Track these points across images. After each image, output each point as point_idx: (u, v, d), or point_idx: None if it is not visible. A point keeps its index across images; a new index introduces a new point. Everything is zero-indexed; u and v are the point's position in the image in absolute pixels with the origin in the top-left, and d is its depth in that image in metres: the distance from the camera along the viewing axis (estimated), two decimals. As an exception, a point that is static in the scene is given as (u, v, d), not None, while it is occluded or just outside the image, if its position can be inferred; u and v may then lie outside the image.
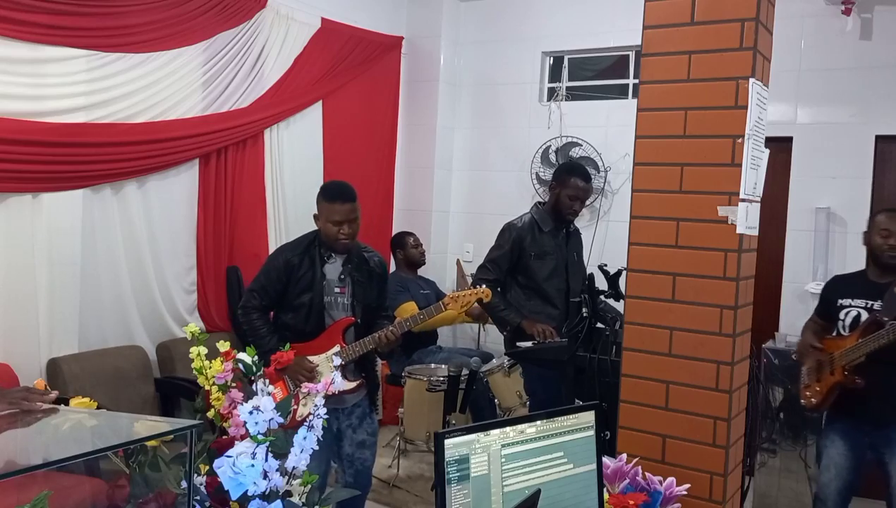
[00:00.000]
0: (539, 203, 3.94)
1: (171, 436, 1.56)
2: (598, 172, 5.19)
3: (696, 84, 2.22)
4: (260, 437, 1.43)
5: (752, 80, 2.13)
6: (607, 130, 5.29)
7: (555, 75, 5.69)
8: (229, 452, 1.42)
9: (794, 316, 4.64)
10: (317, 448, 1.54)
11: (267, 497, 1.43)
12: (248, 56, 4.48)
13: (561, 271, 3.75)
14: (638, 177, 2.33)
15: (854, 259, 4.47)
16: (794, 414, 4.06)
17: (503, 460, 1.65)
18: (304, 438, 1.51)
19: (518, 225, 3.76)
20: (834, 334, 3.22)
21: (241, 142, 4.52)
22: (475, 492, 1.59)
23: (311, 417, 1.54)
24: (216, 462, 1.43)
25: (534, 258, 3.70)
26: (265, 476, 1.42)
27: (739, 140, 2.15)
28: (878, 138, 4.49)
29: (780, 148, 4.42)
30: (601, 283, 3.21)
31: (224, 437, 1.72)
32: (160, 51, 3.98)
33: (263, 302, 3.15)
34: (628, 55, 5.40)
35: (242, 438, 1.56)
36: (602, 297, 3.22)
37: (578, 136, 5.36)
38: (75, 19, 3.57)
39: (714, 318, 2.19)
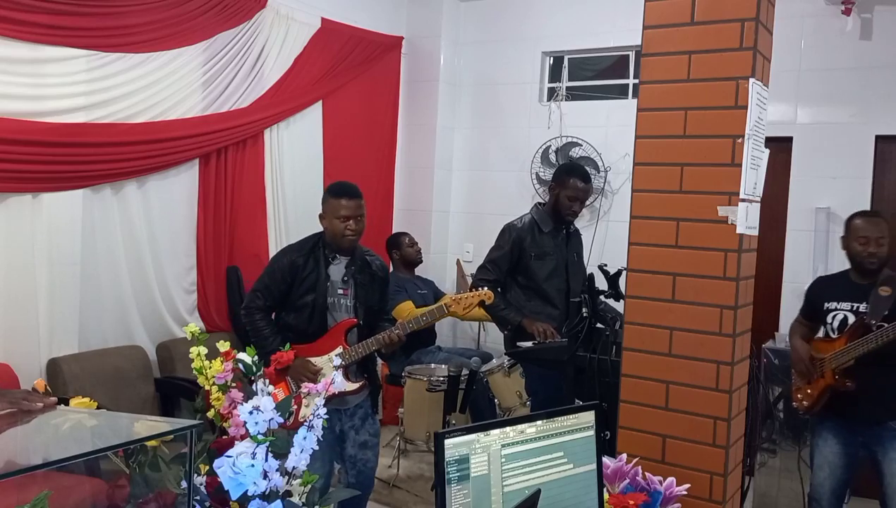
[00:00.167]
0: (539, 203, 3.94)
1: (171, 436, 1.56)
2: (598, 172, 5.19)
3: (696, 84, 2.22)
4: (260, 437, 1.43)
5: (752, 80, 2.13)
6: (607, 130, 5.29)
7: (555, 75, 5.69)
8: (229, 452, 1.42)
9: (794, 317, 4.64)
10: (317, 448, 1.54)
11: (267, 497, 1.43)
12: (248, 56, 4.48)
13: (561, 271, 3.75)
14: (638, 177, 2.33)
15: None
16: (794, 414, 4.06)
17: (503, 460, 1.65)
18: (304, 438, 1.51)
19: (518, 225, 3.76)
20: (822, 335, 3.24)
21: (241, 142, 4.52)
22: (475, 492, 1.59)
23: (311, 417, 1.54)
24: (216, 462, 1.43)
25: (534, 258, 3.70)
26: (265, 476, 1.42)
27: (739, 140, 2.15)
28: (878, 138, 4.49)
29: (780, 148, 4.42)
30: (601, 283, 3.21)
31: (224, 437, 1.71)
32: (160, 51, 3.98)
33: (267, 302, 3.16)
34: (628, 55, 5.40)
35: (242, 438, 1.56)
36: (602, 297, 3.22)
37: (578, 136, 5.36)
38: (75, 19, 3.57)
39: (714, 318, 2.19)
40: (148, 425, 1.90)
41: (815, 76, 4.62)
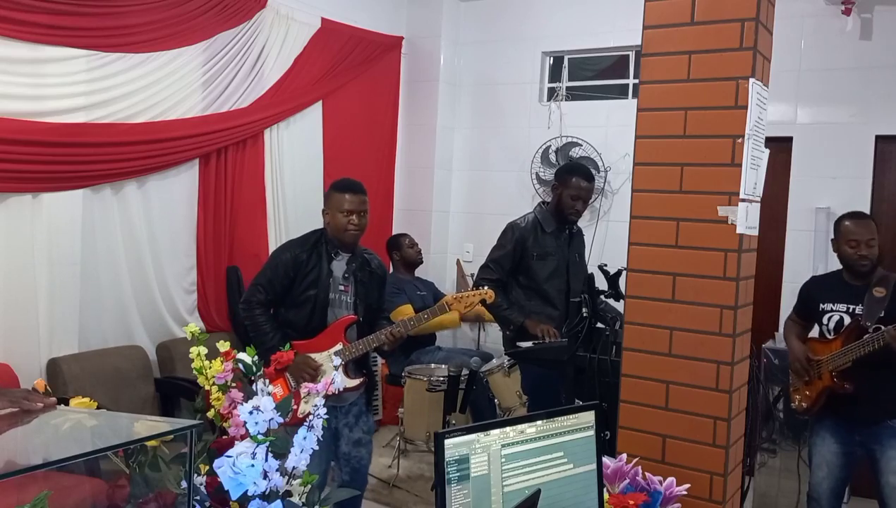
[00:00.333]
0: (542, 202, 3.94)
1: (171, 436, 1.56)
2: (598, 172, 5.19)
3: (696, 84, 2.22)
4: (260, 437, 1.43)
5: (752, 80, 2.13)
6: (607, 130, 5.29)
7: (555, 75, 5.69)
8: (229, 452, 1.42)
9: (793, 316, 4.65)
10: (317, 447, 1.54)
11: (267, 497, 1.43)
12: (248, 56, 4.48)
13: (562, 272, 3.75)
14: (638, 177, 2.33)
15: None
16: (794, 414, 4.06)
17: (503, 460, 1.65)
18: (304, 438, 1.51)
19: (521, 225, 3.76)
20: (818, 336, 3.25)
21: (241, 142, 4.52)
22: (475, 492, 1.59)
23: (311, 417, 1.54)
24: (216, 462, 1.43)
25: (536, 259, 3.70)
26: (265, 476, 1.42)
27: (739, 140, 2.15)
28: (878, 138, 4.49)
29: (780, 148, 4.42)
30: (601, 283, 3.21)
31: (224, 437, 1.71)
32: (160, 51, 3.98)
33: (269, 296, 3.15)
34: (628, 55, 5.40)
35: (242, 438, 1.56)
36: (602, 297, 3.23)
37: (578, 136, 5.36)
38: (75, 19, 3.57)
39: (714, 318, 2.19)
40: (148, 425, 1.90)
41: (815, 76, 4.62)
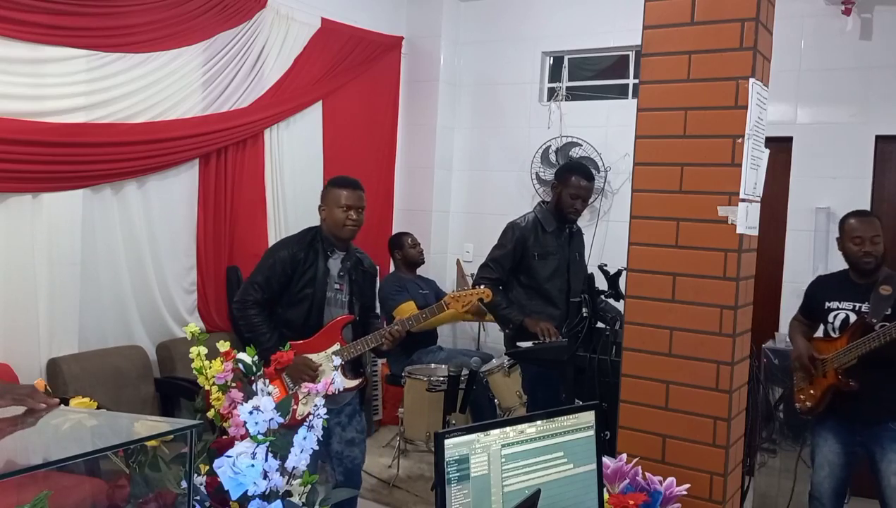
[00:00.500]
0: (542, 202, 3.94)
1: (171, 436, 1.56)
2: (598, 172, 5.19)
3: (696, 84, 2.22)
4: (260, 437, 1.43)
5: (752, 80, 2.13)
6: (607, 130, 5.29)
7: (555, 75, 5.69)
8: (229, 452, 1.42)
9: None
10: (317, 447, 1.54)
11: (267, 497, 1.43)
12: (248, 56, 4.48)
13: (562, 271, 3.75)
14: (638, 177, 2.33)
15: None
16: (794, 414, 4.06)
17: (503, 460, 1.65)
18: (304, 438, 1.51)
19: (521, 224, 3.76)
20: (822, 335, 3.24)
21: (241, 142, 4.52)
22: (475, 492, 1.59)
23: (310, 417, 1.54)
24: (216, 462, 1.43)
25: (536, 258, 3.70)
26: (265, 476, 1.42)
27: (739, 140, 2.15)
28: (878, 138, 4.49)
29: (780, 148, 4.42)
30: (601, 283, 3.21)
31: (224, 437, 1.71)
32: (160, 51, 3.97)
33: (265, 295, 3.11)
34: (628, 55, 5.40)
35: (242, 438, 1.56)
36: (602, 297, 3.23)
37: (578, 136, 5.36)
38: (75, 19, 3.57)
39: (714, 318, 2.19)
40: (148, 425, 1.90)
41: (815, 76, 4.62)
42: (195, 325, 1.91)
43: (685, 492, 2.05)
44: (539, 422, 1.73)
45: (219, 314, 4.48)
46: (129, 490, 1.62)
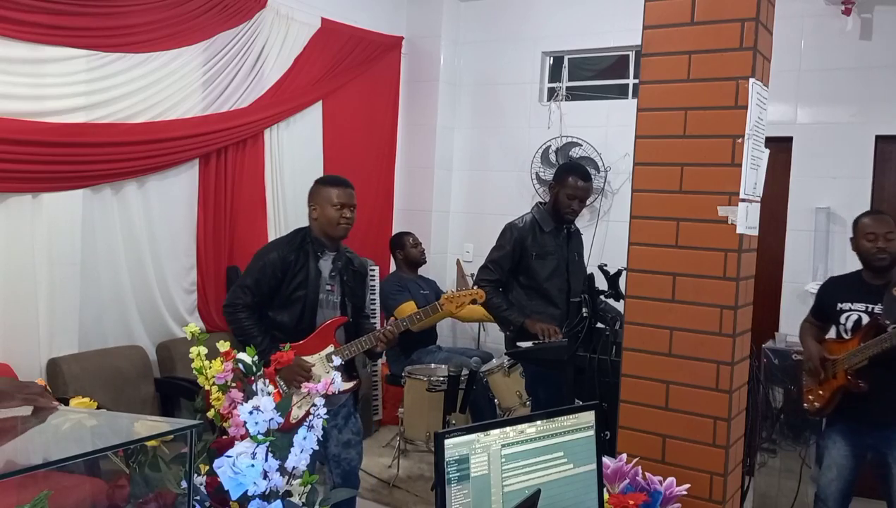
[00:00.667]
0: (540, 203, 3.94)
1: (171, 436, 1.56)
2: (598, 172, 5.19)
3: (696, 84, 2.22)
4: (260, 437, 1.43)
5: (752, 80, 2.13)
6: (607, 130, 5.29)
7: (555, 75, 5.69)
8: (229, 452, 1.42)
9: (794, 316, 4.61)
10: (317, 447, 1.54)
11: (267, 497, 1.43)
12: (248, 56, 4.49)
13: (562, 271, 3.75)
14: (638, 177, 2.33)
15: (854, 259, 4.44)
16: (794, 414, 4.06)
17: (503, 460, 1.65)
18: (304, 438, 1.51)
19: (519, 225, 3.76)
20: (835, 337, 3.21)
21: (241, 142, 4.52)
22: (475, 492, 1.59)
23: (310, 417, 1.54)
24: (216, 462, 1.43)
25: (535, 258, 3.70)
26: (265, 476, 1.42)
27: (739, 140, 2.15)
28: (878, 138, 4.49)
29: (780, 148, 4.42)
30: (601, 283, 3.21)
31: (224, 437, 1.71)
32: (160, 51, 3.98)
33: (255, 298, 3.06)
34: (628, 55, 5.40)
35: (242, 438, 1.56)
36: (602, 297, 3.23)
37: (578, 136, 5.36)
38: (75, 19, 3.57)
39: (714, 318, 2.19)
40: (148, 425, 1.90)
41: (815, 76, 4.62)
42: (195, 325, 1.91)
43: (685, 492, 2.05)
44: (539, 422, 1.73)
45: (219, 314, 4.47)
46: (129, 490, 1.62)
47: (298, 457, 1.50)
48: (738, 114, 2.15)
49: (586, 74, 5.68)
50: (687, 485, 2.06)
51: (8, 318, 3.52)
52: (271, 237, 4.76)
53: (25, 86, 3.44)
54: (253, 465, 1.40)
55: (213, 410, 1.79)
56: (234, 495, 1.40)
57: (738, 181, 2.15)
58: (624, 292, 2.44)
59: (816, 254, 4.58)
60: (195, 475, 1.53)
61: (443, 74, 5.79)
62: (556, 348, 3.23)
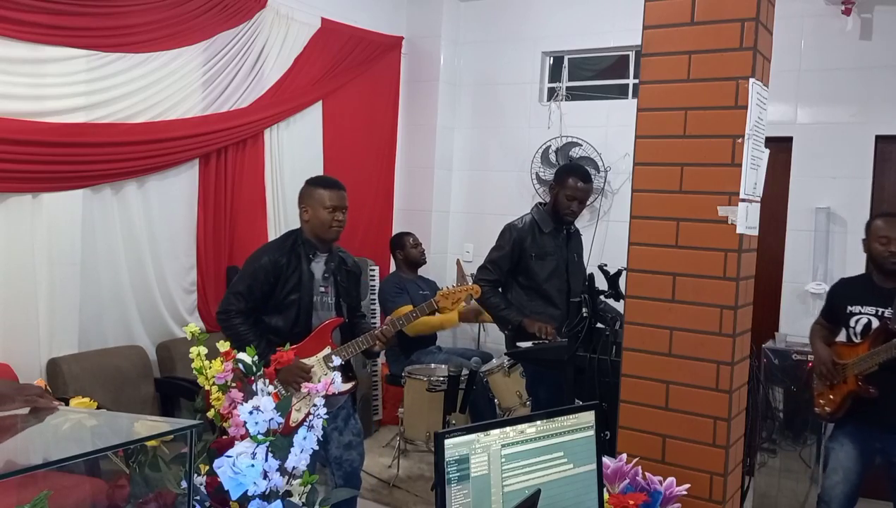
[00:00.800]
0: (540, 203, 3.94)
1: (171, 436, 1.56)
2: (598, 172, 5.19)
3: (696, 84, 2.22)
4: (260, 437, 1.43)
5: (752, 80, 2.13)
6: (607, 130, 5.29)
7: (555, 75, 5.69)
8: (229, 452, 1.43)
9: (794, 316, 4.65)
10: (317, 448, 1.54)
11: (267, 497, 1.43)
12: (248, 56, 4.48)
13: (561, 271, 3.75)
14: (638, 177, 2.33)
15: (854, 259, 4.47)
16: (795, 414, 4.06)
17: (503, 460, 1.65)
18: (304, 438, 1.51)
19: (519, 225, 3.76)
20: (844, 340, 3.19)
21: (241, 142, 4.52)
22: (475, 492, 1.59)
23: (310, 417, 1.54)
24: (216, 462, 1.43)
25: (534, 259, 3.70)
26: (265, 476, 1.42)
27: (739, 140, 2.15)
28: (878, 138, 4.49)
29: (780, 148, 4.42)
30: (601, 283, 3.21)
31: (224, 437, 1.71)
32: (160, 51, 3.98)
33: (249, 304, 3.04)
34: (628, 55, 5.40)
35: (242, 438, 1.56)
36: (602, 297, 3.22)
37: (578, 136, 5.36)
38: (75, 19, 3.57)
39: (714, 318, 2.19)
40: (148, 425, 1.90)
41: (815, 76, 4.62)
42: (195, 325, 1.91)
43: (685, 492, 2.05)
44: (539, 422, 1.73)
45: (219, 314, 4.48)
46: (129, 490, 1.62)
47: (298, 457, 1.50)
48: (738, 114, 2.15)
49: (586, 74, 5.68)
50: (687, 485, 2.06)
51: (8, 318, 3.52)
52: (271, 237, 4.75)
53: (25, 86, 3.44)
54: (253, 465, 1.40)
55: (213, 410, 1.80)
56: (234, 495, 1.40)
57: (738, 181, 2.15)
58: (624, 292, 2.44)
59: (816, 253, 4.58)
60: (195, 475, 1.53)
61: (443, 74, 5.79)
62: (556, 348, 3.23)
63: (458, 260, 5.69)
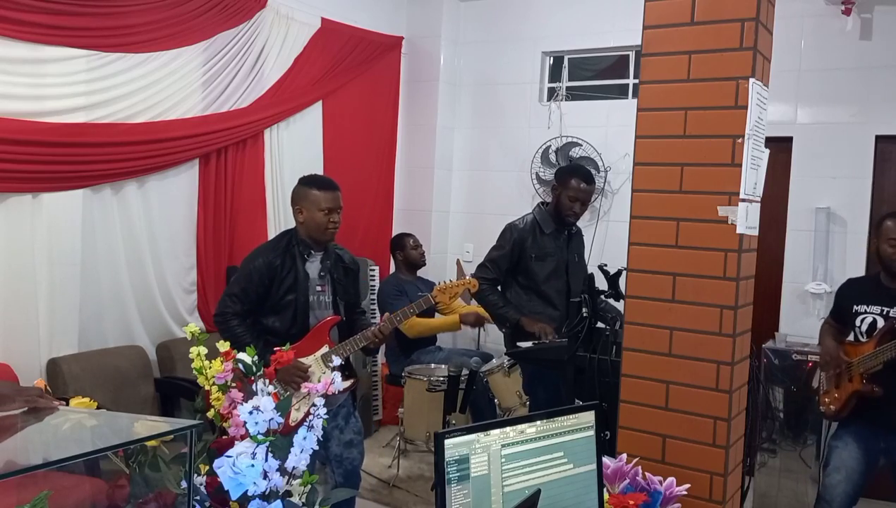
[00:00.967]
0: (542, 203, 3.94)
1: (171, 436, 1.56)
2: (598, 172, 5.19)
3: (696, 84, 2.22)
4: (260, 437, 1.43)
5: (752, 80, 2.13)
6: (607, 130, 5.29)
7: (555, 75, 5.69)
8: (229, 452, 1.43)
9: (794, 316, 4.65)
10: (317, 448, 1.54)
11: (267, 497, 1.43)
12: (248, 56, 4.48)
13: (561, 272, 3.75)
14: (638, 177, 2.33)
15: (854, 259, 4.48)
16: (795, 414, 4.06)
17: (503, 460, 1.65)
18: (304, 438, 1.51)
19: (520, 226, 3.76)
20: (851, 339, 3.18)
21: (241, 142, 4.52)
22: (475, 492, 1.59)
23: (310, 417, 1.54)
24: (216, 462, 1.43)
25: (534, 260, 3.70)
26: (265, 476, 1.42)
27: (739, 140, 2.15)
28: (878, 138, 4.49)
29: (780, 148, 4.42)
30: (601, 283, 3.21)
31: (224, 437, 1.72)
32: (160, 51, 3.98)
33: (244, 306, 3.05)
34: (628, 55, 5.40)
35: (242, 438, 1.56)
36: (602, 297, 3.22)
37: (578, 136, 5.36)
38: (75, 19, 3.57)
39: (714, 318, 2.19)
40: (148, 425, 1.90)
41: (815, 76, 4.62)
42: (195, 325, 1.91)
43: (685, 492, 2.05)
44: (539, 422, 1.73)
45: (219, 314, 4.48)
46: (129, 490, 1.62)
47: (298, 457, 1.50)
48: (738, 114, 2.15)
49: (586, 74, 5.68)
50: (687, 485, 2.06)
51: (8, 318, 3.52)
52: (271, 237, 4.74)
53: (25, 86, 3.44)
54: (253, 465, 1.40)
55: (213, 410, 1.80)
56: (234, 495, 1.40)
57: (738, 181, 2.15)
58: (624, 292, 2.44)
59: (816, 253, 4.58)
60: (195, 475, 1.53)
61: (443, 74, 5.79)
62: (556, 348, 3.23)
63: (458, 260, 5.69)
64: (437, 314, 4.98)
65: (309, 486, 1.54)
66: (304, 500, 1.54)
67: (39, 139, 3.45)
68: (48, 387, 1.82)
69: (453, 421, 4.11)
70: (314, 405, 1.56)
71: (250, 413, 1.44)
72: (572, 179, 3.71)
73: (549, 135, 5.47)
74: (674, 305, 2.25)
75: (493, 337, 5.40)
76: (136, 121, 3.88)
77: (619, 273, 3.15)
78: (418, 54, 5.80)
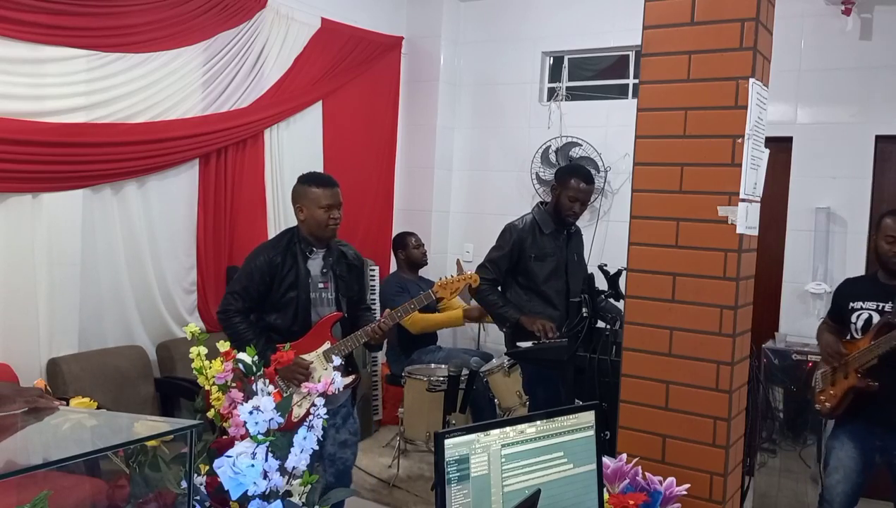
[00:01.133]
0: (541, 203, 3.94)
1: (171, 436, 1.56)
2: (598, 172, 5.19)
3: (696, 84, 2.22)
4: (260, 437, 1.43)
5: (752, 80, 2.13)
6: (607, 130, 5.29)
7: (555, 75, 5.69)
8: (229, 452, 1.43)
9: (794, 316, 4.65)
10: (317, 447, 1.54)
11: (267, 497, 1.43)
12: (248, 56, 4.49)
13: (561, 272, 3.75)
14: (638, 177, 2.33)
15: (854, 259, 4.48)
16: (795, 414, 4.06)
17: (503, 460, 1.65)
18: (304, 438, 1.51)
19: (519, 226, 3.76)
20: (847, 337, 3.18)
21: (241, 142, 4.52)
22: (475, 492, 1.59)
23: (310, 417, 1.54)
24: (216, 462, 1.43)
25: (534, 260, 3.70)
26: (265, 476, 1.43)
27: (739, 140, 2.15)
28: (878, 138, 4.49)
29: (780, 148, 4.42)
30: (601, 283, 3.21)
31: (224, 437, 1.72)
32: (160, 51, 3.98)
33: (246, 304, 3.07)
34: (628, 55, 5.40)
35: (242, 438, 1.56)
36: (602, 297, 3.22)
37: (578, 136, 5.36)
38: (75, 19, 3.57)
39: (714, 318, 2.19)
40: (148, 425, 1.90)
41: (815, 76, 4.62)
42: (195, 325, 1.91)
43: (685, 492, 2.05)
44: (539, 422, 1.73)
45: (219, 314, 4.48)
46: (129, 490, 1.62)
47: (298, 457, 1.50)
48: (738, 114, 2.15)
49: (586, 74, 5.68)
50: (687, 485, 2.06)
51: (8, 318, 3.52)
52: (271, 236, 4.75)
53: (25, 86, 3.44)
54: (253, 465, 1.40)
55: (213, 410, 1.80)
56: (234, 495, 1.40)
57: (738, 181, 2.15)
58: (624, 292, 2.44)
59: (816, 253, 4.58)
60: (195, 475, 1.53)
61: (443, 74, 5.79)
62: (556, 348, 3.23)
63: (458, 260, 5.67)
64: (434, 303, 4.98)
65: (309, 486, 1.54)
66: (304, 500, 1.54)
67: (39, 139, 3.45)
68: (48, 387, 1.82)
69: (453, 421, 4.11)
70: (314, 405, 1.56)
71: (250, 413, 1.44)
72: (572, 179, 3.71)
73: (548, 135, 5.47)
74: (674, 305, 2.25)
75: (493, 336, 5.40)
76: (136, 121, 3.88)
77: (619, 273, 3.15)
78: (418, 54, 5.80)
